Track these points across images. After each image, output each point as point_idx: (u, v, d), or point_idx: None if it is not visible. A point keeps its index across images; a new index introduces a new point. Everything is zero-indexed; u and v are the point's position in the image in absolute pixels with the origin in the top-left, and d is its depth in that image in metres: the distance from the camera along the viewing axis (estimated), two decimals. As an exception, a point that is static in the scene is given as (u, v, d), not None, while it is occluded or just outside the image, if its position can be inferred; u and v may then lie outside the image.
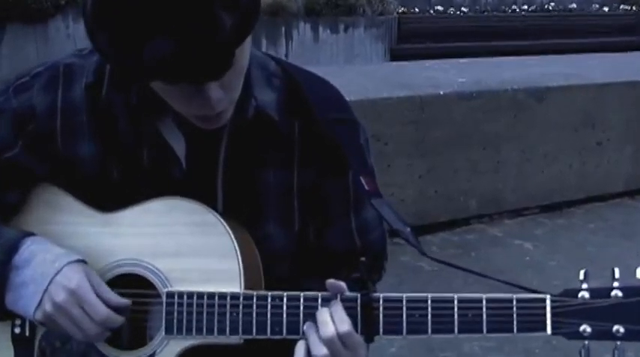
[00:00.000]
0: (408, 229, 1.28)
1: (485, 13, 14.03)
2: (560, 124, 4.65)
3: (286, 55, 11.03)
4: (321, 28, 11.42)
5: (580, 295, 1.18)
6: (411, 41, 12.28)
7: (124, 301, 1.27)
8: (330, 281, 1.22)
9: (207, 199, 1.29)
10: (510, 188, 4.57)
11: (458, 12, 13.80)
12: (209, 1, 1.02)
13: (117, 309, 1.25)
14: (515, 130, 4.49)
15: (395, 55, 11.79)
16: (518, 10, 14.28)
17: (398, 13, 12.59)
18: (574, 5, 14.64)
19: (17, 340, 1.32)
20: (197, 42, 1.03)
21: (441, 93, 4.21)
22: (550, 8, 14.47)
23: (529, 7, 14.38)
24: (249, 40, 1.17)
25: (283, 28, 11.14)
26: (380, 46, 11.99)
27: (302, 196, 1.36)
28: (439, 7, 13.68)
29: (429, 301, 1.19)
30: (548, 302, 1.17)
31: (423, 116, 4.14)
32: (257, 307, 1.22)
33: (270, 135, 1.33)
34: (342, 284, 1.22)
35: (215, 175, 1.32)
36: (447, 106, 4.23)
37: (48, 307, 1.22)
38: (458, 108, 4.26)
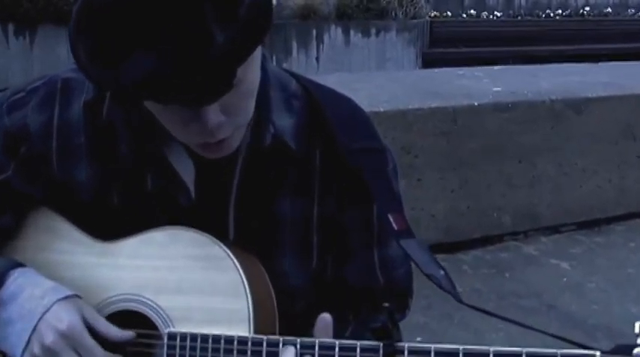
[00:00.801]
0: (442, 272, 1.14)
1: (519, 18, 13.91)
2: (599, 137, 4.48)
3: (317, 59, 11.01)
4: (352, 32, 11.39)
5: (635, 351, 1.00)
6: (443, 45, 12.25)
7: (127, 334, 1.17)
8: (323, 315, 1.11)
9: (218, 231, 1.18)
10: (546, 204, 4.42)
11: (491, 16, 13.68)
12: (198, 11, 0.90)
13: (120, 343, 1.17)
14: (552, 143, 4.33)
15: (427, 60, 11.77)
16: (552, 15, 14.14)
17: (430, 16, 12.52)
18: (609, 10, 14.45)
19: None
20: (181, 58, 0.91)
21: (475, 104, 4.06)
22: (585, 13, 14.29)
23: (563, 11, 14.24)
24: (256, 57, 1.05)
25: (314, 32, 11.12)
26: (412, 51, 11.94)
27: (321, 229, 1.25)
28: (472, 11, 13.57)
29: (461, 355, 1.04)
30: None
31: (455, 128, 4.00)
32: (267, 354, 1.10)
33: (288, 164, 1.22)
34: (330, 323, 1.11)
35: (227, 204, 1.21)
36: (480, 117, 4.09)
37: (37, 349, 1.13)
38: (492, 119, 4.12)
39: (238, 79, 0.98)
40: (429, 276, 1.12)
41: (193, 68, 0.92)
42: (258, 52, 1.05)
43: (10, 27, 9.54)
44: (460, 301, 1.11)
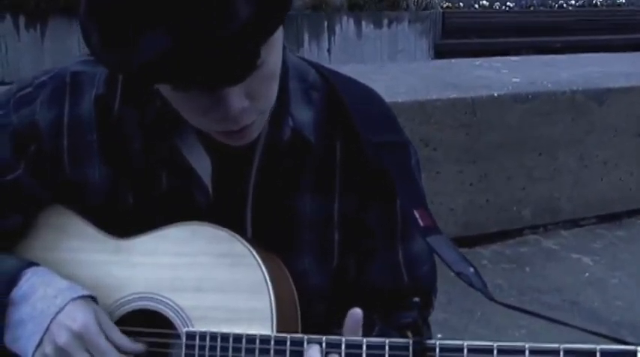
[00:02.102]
0: (472, 270, 1.09)
1: (532, 9, 13.82)
2: (620, 129, 4.41)
3: (329, 50, 10.97)
4: (364, 23, 11.32)
5: None
6: (455, 36, 12.17)
7: (138, 347, 1.13)
8: (354, 311, 1.06)
9: (235, 229, 1.13)
10: (567, 197, 4.35)
11: (503, 7, 13.58)
12: None
13: (130, 354, 1.13)
14: (573, 135, 4.27)
15: (439, 51, 11.72)
16: (565, 6, 14.03)
17: (442, 7, 12.43)
18: (622, 0, 14.33)
19: None
20: (201, 34, 0.84)
21: (495, 94, 3.99)
22: (598, 3, 14.18)
23: (577, 1, 14.12)
24: (279, 38, 0.99)
25: (326, 23, 11.06)
26: (424, 42, 11.86)
27: (343, 226, 1.20)
28: (484, 2, 13.47)
29: (495, 352, 0.98)
30: (639, 355, 0.94)
31: (474, 119, 3.93)
32: (291, 353, 1.05)
33: (308, 159, 1.17)
34: (361, 319, 1.05)
35: (244, 201, 1.16)
36: (500, 109, 4.02)
37: (48, 349, 1.09)
38: (512, 111, 4.04)
39: (261, 60, 0.92)
40: (458, 274, 1.07)
41: (213, 45, 0.85)
42: (280, 33, 0.99)
43: (21, 20, 9.53)
44: (492, 299, 1.06)
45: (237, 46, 0.87)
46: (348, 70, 1.24)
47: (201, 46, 0.85)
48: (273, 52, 0.98)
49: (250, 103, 0.99)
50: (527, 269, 3.87)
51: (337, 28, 11.22)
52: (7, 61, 9.40)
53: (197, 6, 0.84)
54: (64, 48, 9.50)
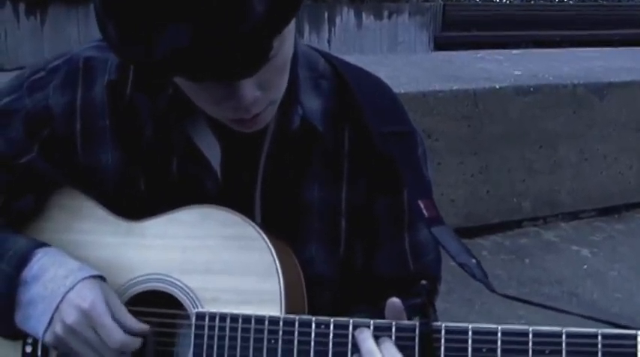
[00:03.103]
0: (474, 261, 1.10)
1: (532, 2, 13.79)
2: (621, 123, 4.43)
3: (329, 41, 10.94)
4: (364, 14, 11.28)
5: None
6: (455, 29, 12.12)
7: (143, 327, 1.14)
8: (394, 300, 1.05)
9: (244, 215, 1.14)
10: (567, 190, 4.37)
11: (505, 0, 13.55)
12: None
13: (135, 334, 1.14)
14: (573, 128, 4.28)
15: (439, 43, 11.67)
16: (565, 0, 14.00)
17: (443, 0, 12.39)
18: (625, -6, 14.31)
19: None
20: (219, 30, 0.85)
21: (497, 87, 4.00)
22: (599, -3, 14.16)
23: (578, -5, 14.09)
24: (291, 30, 1.00)
25: (326, 14, 11.02)
26: (424, 34, 11.83)
27: (350, 215, 1.21)
28: (485, -5, 13.43)
29: (499, 334, 1.01)
30: (639, 339, 0.97)
31: (476, 111, 3.94)
32: (299, 334, 1.07)
33: (316, 148, 1.18)
34: (404, 312, 1.05)
35: (253, 188, 1.18)
36: (502, 101, 4.03)
37: (58, 328, 1.11)
38: (514, 103, 4.06)
39: (274, 52, 0.94)
40: (461, 265, 1.09)
41: (231, 41, 0.87)
42: (292, 24, 1.00)
43: (21, 7, 9.48)
44: (493, 290, 1.08)
45: (253, 41, 0.89)
46: (350, 61, 1.25)
47: (219, 42, 0.86)
48: (286, 44, 1.00)
49: (262, 93, 1.00)
50: (527, 261, 3.90)
51: (337, 19, 11.19)
52: (6, 48, 9.35)
53: (214, 2, 0.85)
54: (64, 36, 9.46)
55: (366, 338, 1.04)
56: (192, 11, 0.85)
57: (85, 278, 1.13)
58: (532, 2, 13.79)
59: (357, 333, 1.05)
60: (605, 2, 14.02)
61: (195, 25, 0.85)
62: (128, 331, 1.13)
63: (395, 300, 1.05)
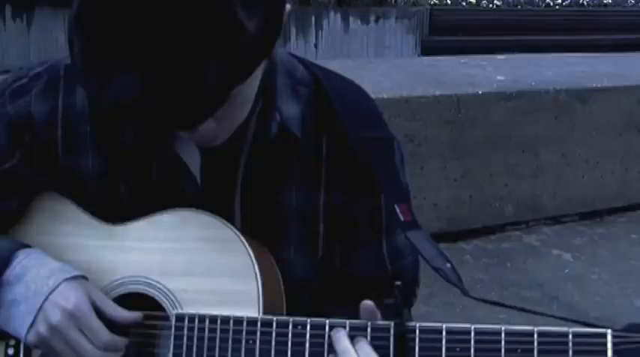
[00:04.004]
0: (449, 265, 1.12)
1: (519, 7, 13.84)
2: (602, 128, 4.47)
3: (316, 46, 10.94)
4: (351, 19, 11.30)
5: None
6: (442, 34, 12.15)
7: (135, 315, 1.15)
8: (367, 303, 1.06)
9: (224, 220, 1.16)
10: (549, 194, 4.40)
11: (491, 5, 13.59)
12: (195, 44, 0.86)
13: (126, 325, 1.16)
14: (555, 133, 4.32)
15: (426, 48, 11.69)
16: (552, 4, 14.05)
17: (430, 4, 12.42)
18: (609, 0, 14.38)
19: None
20: (171, 84, 0.86)
21: (479, 92, 4.03)
22: (585, 3, 14.22)
23: (563, 1, 14.15)
24: (258, 71, 1.02)
25: (313, 18, 11.02)
26: (411, 38, 11.86)
27: (328, 219, 1.23)
28: (472, 0, 13.47)
29: (472, 333, 1.03)
30: (609, 338, 0.99)
31: (459, 116, 3.97)
32: (277, 334, 1.09)
33: (294, 153, 1.19)
34: (378, 313, 1.07)
35: (233, 193, 1.19)
36: (484, 106, 4.06)
37: (42, 329, 1.12)
38: (496, 108, 4.09)
39: (233, 93, 0.95)
40: (435, 269, 1.11)
41: (183, 100, 0.89)
42: (259, 69, 1.02)
43: (7, 9, 9.44)
44: (466, 294, 1.10)
45: (204, 100, 0.91)
46: (335, 65, 1.27)
47: (170, 100, 0.88)
48: (249, 84, 1.01)
49: (217, 124, 1.03)
50: (509, 264, 3.92)
51: (324, 24, 11.19)
52: (-8, 50, 9.33)
53: (170, 60, 0.86)
54: (51, 38, 9.41)
55: (341, 337, 1.06)
56: (147, 64, 0.86)
57: (68, 279, 1.14)
58: (519, 7, 13.85)
59: (332, 333, 1.07)
60: (591, 7, 14.09)
61: (144, 76, 0.87)
62: (120, 322, 1.15)
63: (367, 302, 1.07)
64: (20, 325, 1.13)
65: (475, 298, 1.12)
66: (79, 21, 0.91)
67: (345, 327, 1.07)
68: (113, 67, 0.87)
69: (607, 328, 1.00)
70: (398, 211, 1.17)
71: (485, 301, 1.17)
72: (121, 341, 1.15)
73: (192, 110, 0.91)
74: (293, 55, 1.26)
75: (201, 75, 0.87)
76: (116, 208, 1.20)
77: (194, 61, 0.86)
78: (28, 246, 1.19)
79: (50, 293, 1.12)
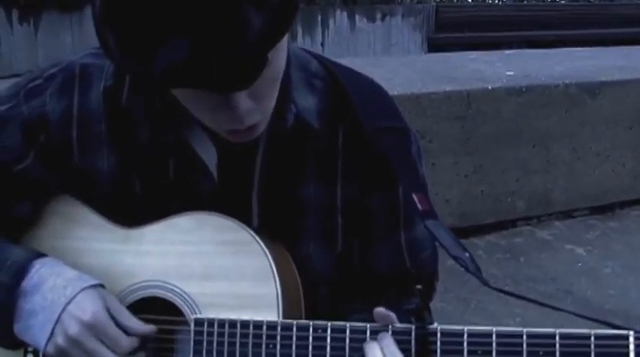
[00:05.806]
0: (467, 255, 1.11)
1: (525, 2, 13.81)
2: (613, 121, 4.45)
3: (322, 44, 10.94)
4: (357, 17, 11.29)
5: None
6: (448, 30, 12.13)
7: (148, 328, 1.15)
8: (379, 310, 1.06)
9: (241, 216, 1.16)
10: (560, 188, 4.38)
11: (497, 1, 13.58)
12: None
13: (139, 336, 1.15)
14: (566, 127, 4.30)
15: (432, 45, 11.68)
16: (558, 0, 14.02)
17: (436, 1, 12.42)
18: (616, -6, 14.35)
19: None
20: (217, 44, 0.87)
21: (490, 87, 4.02)
22: (591, -2, 14.19)
23: (570, -5, 14.13)
24: (285, 41, 1.01)
25: (319, 16, 11.02)
26: (417, 35, 11.84)
27: (346, 212, 1.22)
28: (478, -4, 13.47)
29: (494, 336, 1.02)
30: (631, 339, 0.98)
31: (469, 112, 3.96)
32: (297, 338, 1.08)
33: (311, 145, 1.19)
34: (392, 314, 1.06)
35: (250, 189, 1.18)
36: (495, 102, 4.05)
37: (61, 340, 1.12)
38: (507, 103, 4.07)
39: (268, 63, 0.95)
40: (455, 258, 1.10)
41: (228, 55, 0.89)
42: (286, 36, 1.01)
43: (15, 13, 9.47)
44: (486, 283, 1.09)
45: (250, 55, 0.91)
46: (344, 63, 1.27)
47: (217, 56, 0.88)
48: (279, 55, 1.01)
49: (255, 104, 1.02)
50: (522, 259, 3.91)
51: (331, 22, 11.19)
52: (0, 55, 9.35)
53: (212, 18, 0.87)
54: (58, 42, 9.44)
55: (372, 346, 1.05)
56: (191, 25, 0.87)
57: (85, 288, 1.14)
58: (525, 2, 13.82)
59: (365, 344, 1.06)
60: (598, 1, 14.05)
61: (193, 39, 0.87)
62: (133, 333, 1.14)
63: (379, 309, 1.06)
64: (39, 335, 1.13)
65: (495, 289, 1.11)
66: (109, 11, 0.91)
67: (365, 330, 1.07)
68: (156, 40, 0.88)
69: (629, 329, 0.99)
70: (416, 199, 1.16)
71: (506, 293, 1.17)
72: (140, 344, 1.15)
73: (244, 59, 0.91)
74: (305, 50, 1.26)
75: (247, 21, 0.88)
76: (132, 207, 1.19)
77: (237, 10, 0.87)
78: (43, 255, 1.18)
79: (68, 304, 1.12)
